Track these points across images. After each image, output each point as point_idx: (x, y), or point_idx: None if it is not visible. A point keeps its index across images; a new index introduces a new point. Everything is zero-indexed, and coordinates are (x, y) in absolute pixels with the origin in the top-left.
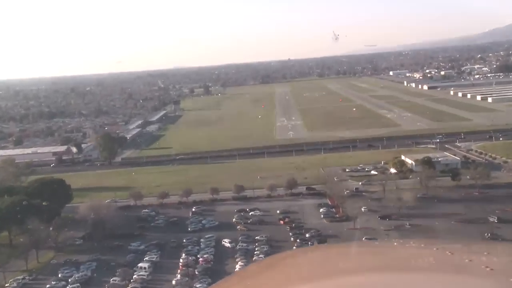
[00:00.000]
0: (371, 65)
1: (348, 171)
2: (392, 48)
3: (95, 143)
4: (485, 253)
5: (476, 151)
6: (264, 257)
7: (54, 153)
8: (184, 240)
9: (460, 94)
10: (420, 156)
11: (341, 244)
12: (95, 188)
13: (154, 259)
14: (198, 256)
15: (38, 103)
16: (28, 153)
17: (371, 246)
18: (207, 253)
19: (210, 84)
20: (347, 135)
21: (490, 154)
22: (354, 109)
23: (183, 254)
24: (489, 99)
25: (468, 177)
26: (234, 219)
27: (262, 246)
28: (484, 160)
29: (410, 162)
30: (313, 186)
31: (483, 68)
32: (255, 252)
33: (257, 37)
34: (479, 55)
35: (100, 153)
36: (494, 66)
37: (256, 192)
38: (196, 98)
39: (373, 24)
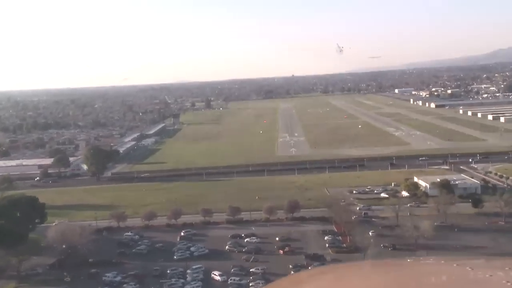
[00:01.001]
0: (375, 83)
1: (355, 193)
2: (395, 66)
3: (83, 156)
4: (506, 268)
5: (495, 174)
6: None
7: (40, 166)
8: (168, 271)
9: (470, 113)
10: (435, 178)
11: (360, 262)
12: (77, 206)
13: None
14: None
15: (36, 114)
16: (12, 166)
17: (391, 264)
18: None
19: (211, 98)
20: (353, 153)
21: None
22: (360, 126)
23: None
24: (502, 119)
25: (489, 203)
26: (227, 247)
27: (257, 281)
28: (505, 185)
29: (424, 185)
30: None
31: (491, 88)
32: None
33: (261, 53)
34: (485, 75)
35: (88, 167)
36: (502, 85)
37: (254, 215)
38: (196, 112)
39: (376, 43)
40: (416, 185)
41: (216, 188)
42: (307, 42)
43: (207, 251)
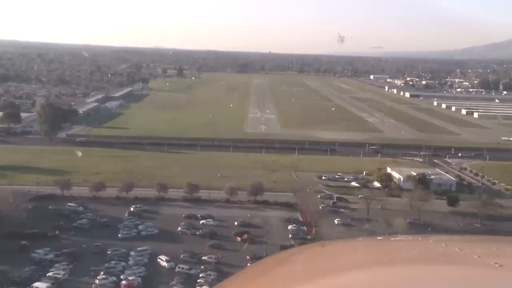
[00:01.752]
0: (351, 67)
1: (324, 179)
2: (372, 53)
3: (36, 113)
4: (494, 248)
5: (470, 171)
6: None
7: None
8: (109, 251)
9: (444, 106)
10: (409, 171)
11: (347, 240)
12: (21, 167)
13: (60, 275)
14: (121, 277)
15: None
16: None
17: (379, 241)
18: (134, 274)
19: (185, 67)
20: (325, 136)
21: (487, 177)
22: (333, 109)
23: (101, 273)
24: (475, 114)
25: (465, 202)
26: (179, 228)
27: (208, 272)
28: (480, 184)
29: (397, 177)
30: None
31: (464, 83)
32: (198, 281)
33: (239, 27)
34: (458, 70)
35: (40, 125)
36: (475, 82)
37: (213, 194)
38: (168, 79)
39: (353, 28)
40: (390, 176)
41: (176, 161)
42: (286, 19)
43: (156, 231)
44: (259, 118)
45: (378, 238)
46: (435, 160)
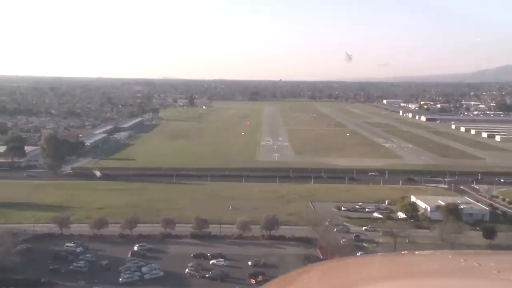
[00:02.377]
0: (363, 92)
1: (344, 210)
2: (383, 79)
3: (40, 146)
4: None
5: (503, 199)
6: None
7: None
8: None
9: (463, 129)
10: (435, 199)
11: (363, 256)
12: (21, 204)
13: None
14: None
15: (10, 99)
16: None
17: (396, 257)
18: None
19: (196, 96)
20: (341, 163)
21: None
22: (348, 134)
23: None
24: (497, 137)
25: (502, 234)
26: (187, 270)
27: None
28: None
29: (424, 207)
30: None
31: (480, 105)
32: None
33: (249, 56)
34: (472, 93)
35: (44, 159)
36: (491, 104)
37: (224, 229)
38: (178, 108)
39: (364, 53)
40: (415, 206)
41: (185, 193)
42: (295, 47)
43: (161, 273)
44: (272, 146)
45: (396, 253)
46: (461, 187)
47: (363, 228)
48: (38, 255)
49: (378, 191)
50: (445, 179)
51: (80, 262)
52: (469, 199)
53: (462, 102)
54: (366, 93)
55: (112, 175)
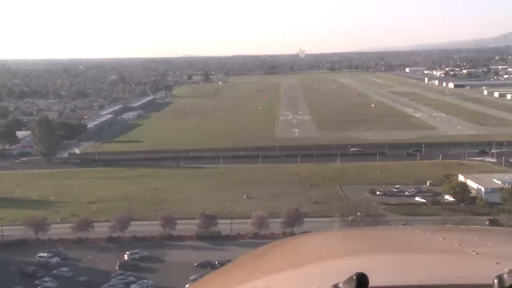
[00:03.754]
0: (383, 62)
1: (379, 194)
2: (402, 47)
3: (31, 131)
4: (476, 238)
5: None
6: None
7: None
8: None
9: (496, 94)
10: (489, 178)
11: (337, 230)
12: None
13: None
14: None
15: (22, 82)
16: None
17: (367, 231)
18: None
19: (212, 72)
20: (369, 137)
21: None
22: (373, 105)
23: None
24: None
25: None
26: (188, 286)
27: None
28: None
29: (476, 187)
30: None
31: (509, 69)
32: None
33: (266, 30)
34: (497, 57)
35: (35, 145)
36: None
37: (237, 226)
38: (194, 85)
39: (380, 23)
40: (465, 187)
41: (193, 180)
42: (313, 20)
43: None
44: (291, 121)
45: (367, 227)
46: (511, 160)
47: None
48: (4, 269)
49: (416, 169)
50: (492, 151)
51: (48, 283)
52: None
53: (490, 67)
54: (387, 62)
55: (113, 160)
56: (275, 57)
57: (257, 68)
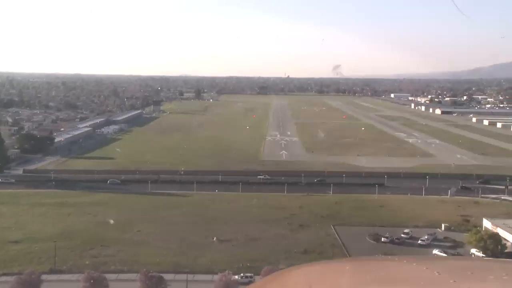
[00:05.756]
0: (368, 87)
1: (385, 241)
2: (384, 76)
3: None
4: (469, 272)
5: None
6: None
7: None
8: None
9: (486, 122)
10: None
11: (333, 260)
12: None
13: None
14: None
15: (18, 92)
16: None
17: (363, 262)
18: None
19: (205, 90)
20: (363, 163)
21: None
22: (363, 128)
23: None
24: None
25: None
26: None
27: None
28: None
29: (511, 239)
30: None
31: (488, 99)
32: None
33: (259, 54)
34: (474, 88)
35: None
36: (499, 98)
37: (195, 286)
38: (184, 101)
39: (364, 53)
40: (498, 239)
41: (156, 212)
42: (302, 45)
43: None
44: (279, 142)
45: (364, 258)
46: None
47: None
48: None
49: (424, 207)
50: (509, 187)
51: None
52: None
53: (474, 96)
54: (372, 88)
55: (71, 180)
56: (266, 79)
57: (248, 88)
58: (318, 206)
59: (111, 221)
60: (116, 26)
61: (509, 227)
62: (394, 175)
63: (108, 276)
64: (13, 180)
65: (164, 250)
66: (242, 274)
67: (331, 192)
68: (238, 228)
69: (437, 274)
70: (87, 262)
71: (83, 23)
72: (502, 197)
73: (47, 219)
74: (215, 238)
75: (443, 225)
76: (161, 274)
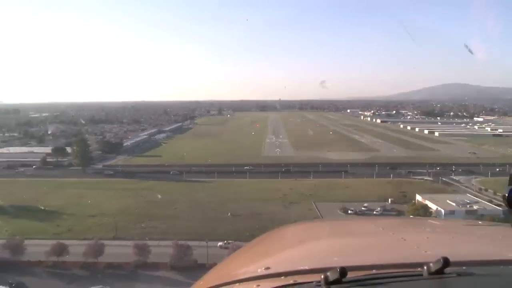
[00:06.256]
0: (332, 105)
1: (351, 213)
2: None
3: (71, 147)
4: (403, 227)
5: (495, 193)
6: None
7: (47, 154)
8: None
9: (409, 127)
10: (441, 198)
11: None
12: (18, 208)
13: None
14: None
15: (105, 114)
16: (23, 152)
17: (334, 222)
18: None
19: (224, 109)
20: (333, 157)
21: None
22: (331, 133)
23: None
24: (436, 133)
25: None
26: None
27: None
28: None
29: (435, 208)
30: None
31: (408, 113)
32: None
33: (260, 81)
34: (399, 105)
35: (73, 159)
36: (415, 112)
37: (216, 251)
38: (210, 117)
39: (332, 79)
40: (427, 209)
41: (188, 194)
42: (292, 76)
43: None
44: (274, 143)
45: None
46: (443, 179)
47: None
48: None
49: (376, 187)
50: (428, 171)
51: None
52: (473, 197)
53: (401, 111)
54: (334, 106)
55: (131, 172)
56: (265, 102)
57: (253, 107)
58: (303, 187)
59: (159, 196)
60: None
61: (434, 200)
62: (354, 165)
63: (151, 243)
64: (111, 172)
65: (193, 223)
66: (225, 241)
67: (311, 178)
68: (246, 205)
69: (381, 229)
70: (138, 232)
71: (143, 58)
72: (425, 178)
73: (113, 200)
74: (229, 213)
75: (389, 200)
76: (188, 243)
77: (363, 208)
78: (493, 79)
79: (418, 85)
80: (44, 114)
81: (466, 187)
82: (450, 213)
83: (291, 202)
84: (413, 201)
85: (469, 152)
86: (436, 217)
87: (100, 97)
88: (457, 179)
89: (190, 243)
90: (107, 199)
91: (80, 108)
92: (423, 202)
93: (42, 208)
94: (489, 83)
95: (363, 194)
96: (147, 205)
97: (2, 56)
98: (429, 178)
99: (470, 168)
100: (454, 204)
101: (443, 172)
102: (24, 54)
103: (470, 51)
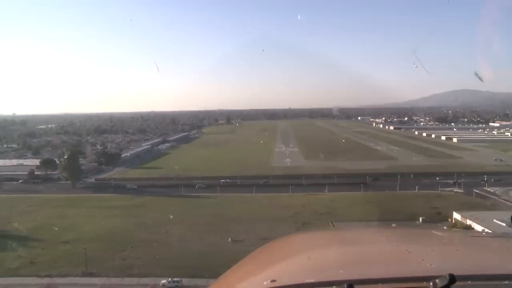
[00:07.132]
0: (343, 113)
1: None
2: (351, 106)
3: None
4: (405, 239)
5: None
6: None
7: (36, 167)
8: None
9: (424, 134)
10: (485, 216)
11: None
12: None
13: None
14: None
15: (112, 124)
16: (12, 165)
17: (332, 232)
18: None
19: (233, 118)
20: (348, 167)
21: None
22: (343, 140)
23: None
24: (454, 139)
25: None
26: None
27: None
28: None
29: (480, 230)
30: None
31: (420, 119)
32: None
33: (271, 91)
34: (409, 112)
35: (60, 172)
36: (427, 118)
37: None
38: (219, 125)
39: (341, 87)
40: (469, 229)
41: (185, 214)
42: (299, 86)
43: None
44: (284, 152)
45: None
46: (476, 191)
47: None
48: None
49: (401, 201)
50: (457, 181)
51: None
52: None
53: (413, 117)
54: (345, 113)
55: (125, 186)
56: (274, 110)
57: (262, 116)
58: (317, 203)
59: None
60: (172, 73)
61: (477, 219)
62: (372, 175)
63: (128, 281)
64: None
65: (184, 252)
66: (169, 279)
67: (326, 191)
68: (251, 228)
69: (385, 240)
70: (116, 264)
71: (153, 68)
72: (455, 190)
73: (97, 221)
74: (230, 239)
75: (420, 219)
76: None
77: None
78: (504, 85)
79: (428, 92)
80: (50, 125)
81: (505, 200)
82: (502, 236)
83: (304, 222)
84: (450, 220)
85: (495, 159)
86: (439, 227)
87: (112, 108)
88: (491, 190)
89: (183, 279)
90: (90, 219)
91: (89, 118)
92: (464, 221)
93: (5, 231)
94: (500, 88)
95: (387, 211)
96: (135, 227)
97: (17, 68)
98: (459, 190)
99: (502, 178)
100: (504, 224)
101: (473, 182)
102: (39, 66)
103: (480, 78)
